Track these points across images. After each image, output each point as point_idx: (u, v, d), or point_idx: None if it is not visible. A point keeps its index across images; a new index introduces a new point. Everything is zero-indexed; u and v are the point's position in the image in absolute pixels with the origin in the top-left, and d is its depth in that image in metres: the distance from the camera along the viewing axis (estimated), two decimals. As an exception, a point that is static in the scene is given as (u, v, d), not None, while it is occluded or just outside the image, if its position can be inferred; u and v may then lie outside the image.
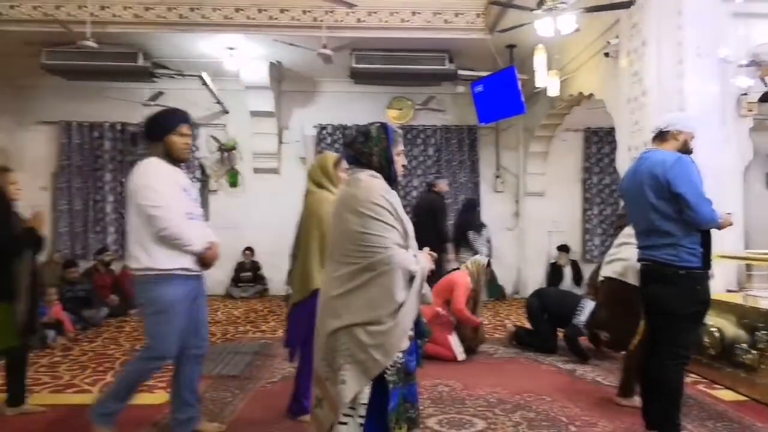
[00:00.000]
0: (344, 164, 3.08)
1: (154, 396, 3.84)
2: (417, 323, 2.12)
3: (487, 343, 5.39)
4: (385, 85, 8.65)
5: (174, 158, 2.95)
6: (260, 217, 9.07)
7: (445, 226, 6.23)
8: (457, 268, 5.55)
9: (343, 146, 2.25)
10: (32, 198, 8.97)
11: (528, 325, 5.52)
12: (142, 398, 3.76)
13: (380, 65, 7.54)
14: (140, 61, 7.50)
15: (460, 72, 7.82)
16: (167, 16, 6.95)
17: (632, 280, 3.56)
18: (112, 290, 7.24)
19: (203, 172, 9.17)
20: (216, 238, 3.05)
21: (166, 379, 4.17)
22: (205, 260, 2.91)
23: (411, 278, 2.05)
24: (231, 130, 9.07)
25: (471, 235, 7.11)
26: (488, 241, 7.47)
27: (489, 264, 8.88)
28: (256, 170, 9.13)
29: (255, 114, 8.74)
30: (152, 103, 8.10)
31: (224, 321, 6.77)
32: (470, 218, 7.34)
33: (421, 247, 2.18)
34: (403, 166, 2.24)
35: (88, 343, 5.52)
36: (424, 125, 9.18)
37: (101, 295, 6.94)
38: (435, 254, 2.28)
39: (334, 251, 2.12)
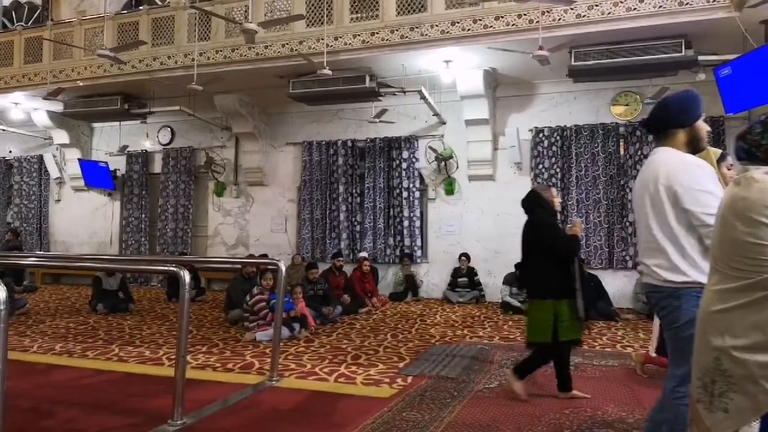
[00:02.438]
0: (729, 161, 2.80)
1: (380, 390, 4.11)
2: None
3: None
4: (607, 81, 8.05)
5: (695, 148, 2.47)
6: (475, 224, 9.21)
7: None
8: None
9: (735, 139, 2.03)
10: (283, 208, 10.55)
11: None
12: (366, 391, 4.10)
13: (603, 60, 7.03)
14: (367, 83, 8.21)
15: (701, 57, 6.89)
16: (390, 38, 7.51)
17: None
18: (344, 291, 8.03)
19: (422, 181, 9.63)
20: None
21: (390, 375, 4.48)
22: None
23: None
24: (447, 139, 9.37)
25: None
26: None
27: None
28: (471, 177, 9.27)
29: (470, 122, 8.88)
30: (377, 120, 8.82)
31: (442, 323, 6.98)
32: None
33: None
34: None
35: (325, 337, 6.18)
36: (655, 121, 8.27)
37: (336, 295, 7.74)
38: None
39: (717, 260, 1.85)
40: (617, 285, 8.27)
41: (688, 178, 2.27)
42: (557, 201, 4.11)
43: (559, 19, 6.72)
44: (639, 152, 8.35)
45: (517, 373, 3.92)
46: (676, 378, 2.35)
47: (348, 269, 8.70)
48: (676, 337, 2.36)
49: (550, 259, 3.82)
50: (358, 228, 9.90)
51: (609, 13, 6.59)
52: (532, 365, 3.96)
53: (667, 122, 2.46)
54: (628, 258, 8.37)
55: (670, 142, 2.44)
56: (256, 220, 10.72)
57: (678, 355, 2.35)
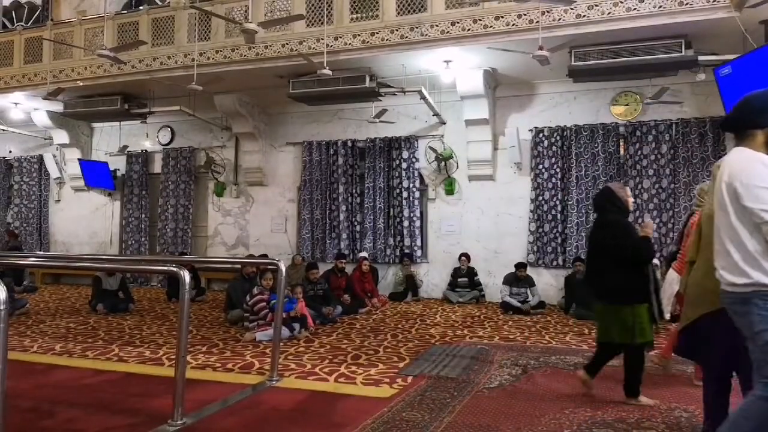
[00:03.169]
0: None
1: (380, 390, 4.11)
2: None
3: None
4: (607, 81, 8.06)
5: None
6: (475, 223, 9.22)
7: None
8: None
9: None
10: (283, 209, 10.55)
11: None
12: (366, 391, 4.10)
13: (603, 60, 7.04)
14: (367, 83, 8.20)
15: (701, 57, 6.89)
16: (390, 38, 7.51)
17: None
18: (344, 291, 8.03)
19: (422, 181, 9.63)
20: None
21: (390, 375, 4.48)
22: None
23: None
24: (448, 139, 9.36)
25: None
26: None
27: None
28: (471, 177, 9.26)
29: (470, 122, 8.87)
30: (377, 120, 8.83)
31: (442, 323, 6.98)
32: None
33: None
34: None
35: (325, 337, 6.17)
36: (655, 120, 8.29)
37: (336, 296, 7.74)
38: None
39: None
40: (617, 285, 8.26)
41: (749, 175, 2.19)
42: (631, 201, 3.93)
43: (559, 19, 6.72)
44: (639, 152, 8.35)
45: (629, 392, 3.74)
46: (761, 385, 2.22)
47: (348, 269, 8.70)
48: (754, 346, 2.23)
49: (622, 261, 3.65)
50: (358, 228, 9.90)
51: (609, 13, 6.59)
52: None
53: (744, 122, 2.37)
54: (628, 258, 8.36)
55: (748, 143, 2.34)
56: (256, 220, 10.71)
57: (760, 361, 2.20)
